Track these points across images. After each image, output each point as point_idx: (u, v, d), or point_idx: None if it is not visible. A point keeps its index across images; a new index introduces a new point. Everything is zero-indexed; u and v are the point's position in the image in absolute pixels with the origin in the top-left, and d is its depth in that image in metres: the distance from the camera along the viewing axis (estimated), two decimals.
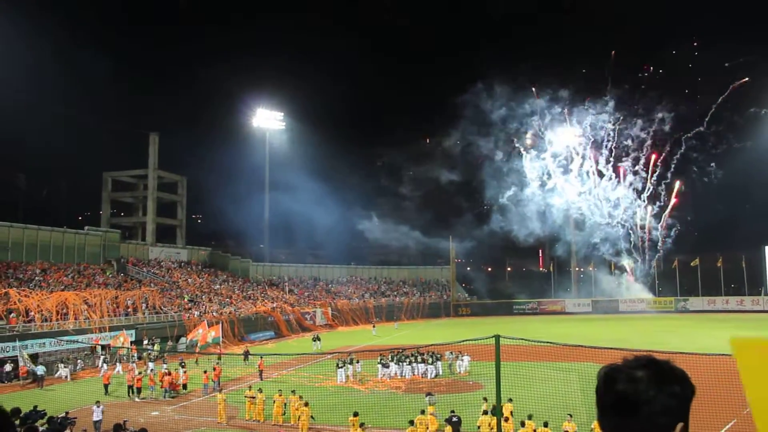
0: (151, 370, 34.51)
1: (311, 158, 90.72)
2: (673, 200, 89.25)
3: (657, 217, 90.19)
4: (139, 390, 32.10)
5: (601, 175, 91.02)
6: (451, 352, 36.81)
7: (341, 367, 34.49)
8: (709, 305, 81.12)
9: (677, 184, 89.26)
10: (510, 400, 22.89)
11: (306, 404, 24.53)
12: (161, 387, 32.34)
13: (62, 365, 38.99)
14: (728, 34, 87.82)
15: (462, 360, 36.19)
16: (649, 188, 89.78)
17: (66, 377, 37.54)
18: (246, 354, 41.35)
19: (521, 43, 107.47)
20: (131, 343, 45.76)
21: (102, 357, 40.79)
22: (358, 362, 35.68)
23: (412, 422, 21.79)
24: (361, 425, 21.98)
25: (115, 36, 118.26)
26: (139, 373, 33.42)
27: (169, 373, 33.12)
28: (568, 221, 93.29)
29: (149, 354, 40.79)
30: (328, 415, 25.55)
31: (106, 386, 32.40)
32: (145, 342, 46.03)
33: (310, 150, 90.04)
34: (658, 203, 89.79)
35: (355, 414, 22.59)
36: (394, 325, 66.82)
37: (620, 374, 1.98)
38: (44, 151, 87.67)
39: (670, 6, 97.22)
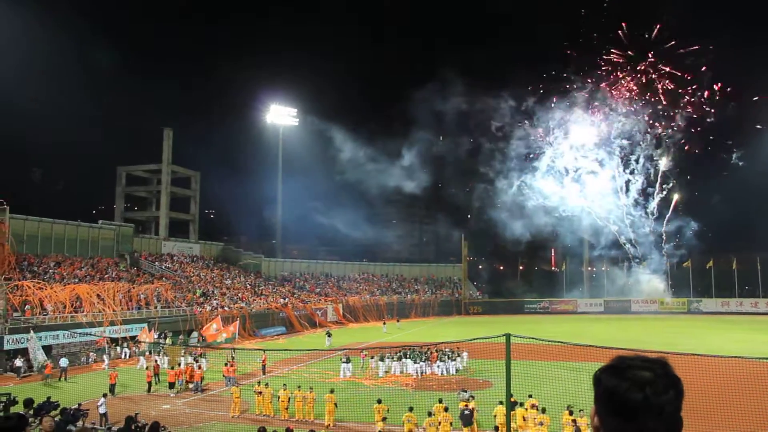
0: (178, 364, 34.66)
1: (324, 154, 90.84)
2: (656, 194, 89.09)
3: (662, 216, 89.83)
4: (172, 384, 32.23)
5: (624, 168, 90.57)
6: (449, 350, 36.83)
7: (346, 363, 34.66)
8: (722, 307, 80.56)
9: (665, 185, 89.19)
10: (530, 395, 23.28)
11: (332, 391, 25.42)
12: (189, 380, 32.53)
13: (106, 355, 39.60)
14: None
15: (461, 357, 36.21)
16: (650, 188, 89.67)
17: (105, 366, 37.79)
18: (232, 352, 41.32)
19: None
20: (159, 336, 46.49)
21: (125, 350, 41.41)
22: (372, 358, 35.94)
23: (411, 408, 22.55)
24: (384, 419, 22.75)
25: (130, 32, 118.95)
26: (172, 367, 33.64)
27: (200, 367, 33.66)
28: (581, 221, 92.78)
29: (187, 350, 40.88)
30: (339, 410, 25.63)
31: (112, 386, 30.76)
32: (156, 336, 46.33)
33: (324, 146, 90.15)
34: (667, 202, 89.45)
35: (379, 401, 23.55)
36: (397, 324, 65.58)
37: (633, 382, 2.05)
38: (60, 145, 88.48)
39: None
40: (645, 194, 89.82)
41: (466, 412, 22.58)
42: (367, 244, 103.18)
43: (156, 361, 35.74)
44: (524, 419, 21.77)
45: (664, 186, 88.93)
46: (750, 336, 52.54)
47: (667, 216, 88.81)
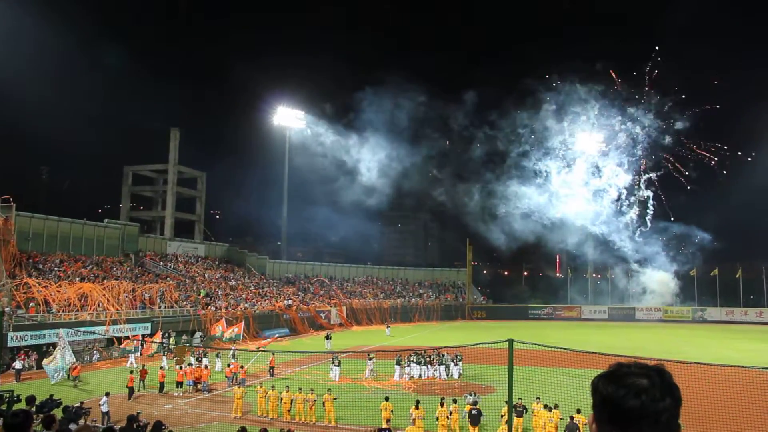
0: (189, 364, 34.62)
1: (331, 157, 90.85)
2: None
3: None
4: (180, 384, 32.27)
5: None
6: (447, 354, 36.81)
7: (337, 365, 34.76)
8: (727, 316, 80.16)
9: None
10: (537, 398, 23.75)
11: (332, 396, 25.91)
12: (198, 381, 32.58)
13: (132, 354, 39.51)
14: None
15: (457, 362, 36.20)
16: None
17: (132, 364, 37.66)
18: (203, 352, 41.09)
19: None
20: (163, 336, 46.49)
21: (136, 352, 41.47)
22: (370, 359, 36.21)
23: (418, 402, 23.32)
24: (387, 422, 23.16)
25: (138, 32, 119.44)
26: (180, 367, 33.63)
27: (207, 367, 33.84)
28: (586, 228, 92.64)
29: (190, 350, 40.74)
30: (339, 412, 25.69)
31: (131, 390, 30.06)
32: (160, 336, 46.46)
33: (331, 149, 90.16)
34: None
35: (386, 399, 24.43)
36: (386, 331, 63.42)
37: (630, 389, 2.05)
38: (66, 143, 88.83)
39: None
40: (659, 200, 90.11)
41: (474, 412, 23.08)
42: (371, 247, 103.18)
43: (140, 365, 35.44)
44: (550, 420, 22.30)
45: (645, 194, 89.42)
46: (755, 345, 52.34)
47: (648, 220, 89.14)
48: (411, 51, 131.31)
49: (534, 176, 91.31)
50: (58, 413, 18.68)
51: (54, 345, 39.59)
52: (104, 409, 24.46)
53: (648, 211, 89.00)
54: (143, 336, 44.88)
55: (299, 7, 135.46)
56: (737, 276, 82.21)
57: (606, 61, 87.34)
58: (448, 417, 23.10)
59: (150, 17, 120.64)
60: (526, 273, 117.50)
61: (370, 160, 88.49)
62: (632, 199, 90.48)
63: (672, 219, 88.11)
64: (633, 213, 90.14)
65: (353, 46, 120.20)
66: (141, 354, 42.06)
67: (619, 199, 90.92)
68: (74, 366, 34.33)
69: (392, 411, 23.91)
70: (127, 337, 43.65)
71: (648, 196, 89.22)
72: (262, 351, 40.08)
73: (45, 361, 34.73)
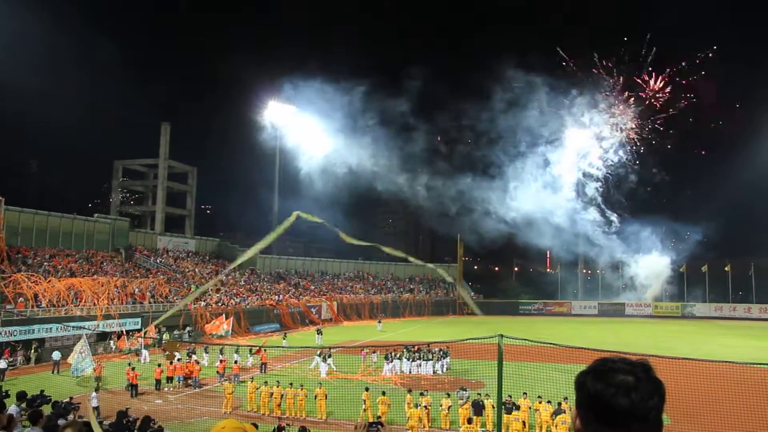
0: (178, 359, 34.39)
1: (322, 152, 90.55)
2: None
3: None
4: (170, 379, 32.17)
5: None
6: (439, 349, 36.91)
7: (323, 361, 34.81)
8: (715, 311, 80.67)
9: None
10: (524, 393, 23.72)
11: (324, 390, 25.93)
12: (188, 377, 32.51)
13: (146, 351, 39.54)
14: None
15: (441, 359, 36.33)
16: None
17: (145, 358, 37.77)
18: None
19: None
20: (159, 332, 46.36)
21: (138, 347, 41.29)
22: (374, 352, 36.92)
23: (410, 390, 24.06)
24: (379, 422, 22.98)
25: (129, 26, 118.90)
26: (170, 362, 33.46)
27: (198, 362, 33.88)
28: (576, 224, 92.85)
29: (182, 345, 40.56)
30: (329, 407, 25.74)
31: (134, 386, 29.59)
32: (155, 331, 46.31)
33: (321, 143, 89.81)
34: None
35: (366, 389, 25.00)
36: (377, 326, 63.39)
37: (620, 387, 2.02)
38: (57, 138, 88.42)
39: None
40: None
41: (480, 402, 23.54)
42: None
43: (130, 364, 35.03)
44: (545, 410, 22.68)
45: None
46: (743, 341, 52.67)
47: (613, 219, 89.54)
48: (413, 50, 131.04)
49: (515, 172, 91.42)
50: (47, 409, 18.67)
51: (43, 340, 39.67)
52: (93, 404, 24.39)
53: (608, 213, 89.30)
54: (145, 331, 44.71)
55: (297, 4, 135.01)
56: (725, 269, 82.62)
57: (556, 51, 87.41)
58: (427, 408, 23.57)
59: (142, 12, 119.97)
60: (516, 269, 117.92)
61: (362, 156, 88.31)
62: (586, 198, 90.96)
63: (624, 213, 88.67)
64: (594, 211, 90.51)
65: (351, 40, 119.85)
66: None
67: (579, 195, 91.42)
68: (94, 367, 33.41)
69: (365, 401, 24.28)
70: (122, 332, 43.62)
71: (597, 189, 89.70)
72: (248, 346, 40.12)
73: (69, 358, 34.53)
